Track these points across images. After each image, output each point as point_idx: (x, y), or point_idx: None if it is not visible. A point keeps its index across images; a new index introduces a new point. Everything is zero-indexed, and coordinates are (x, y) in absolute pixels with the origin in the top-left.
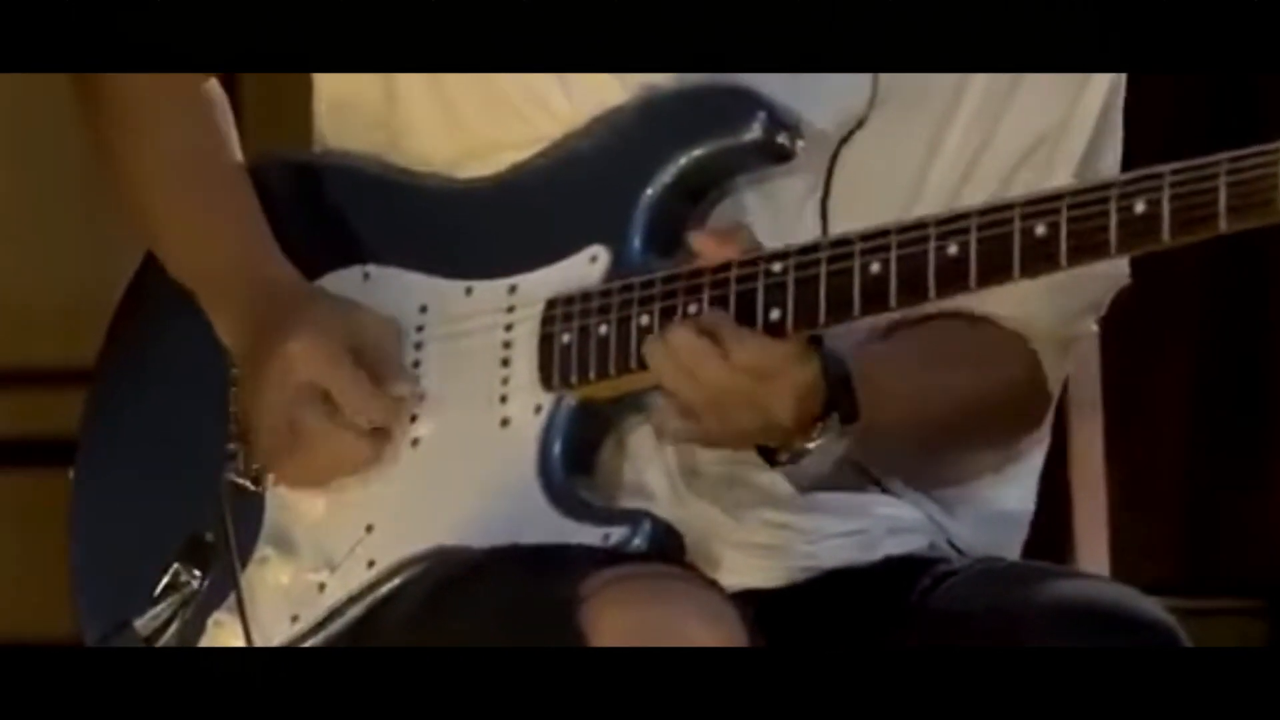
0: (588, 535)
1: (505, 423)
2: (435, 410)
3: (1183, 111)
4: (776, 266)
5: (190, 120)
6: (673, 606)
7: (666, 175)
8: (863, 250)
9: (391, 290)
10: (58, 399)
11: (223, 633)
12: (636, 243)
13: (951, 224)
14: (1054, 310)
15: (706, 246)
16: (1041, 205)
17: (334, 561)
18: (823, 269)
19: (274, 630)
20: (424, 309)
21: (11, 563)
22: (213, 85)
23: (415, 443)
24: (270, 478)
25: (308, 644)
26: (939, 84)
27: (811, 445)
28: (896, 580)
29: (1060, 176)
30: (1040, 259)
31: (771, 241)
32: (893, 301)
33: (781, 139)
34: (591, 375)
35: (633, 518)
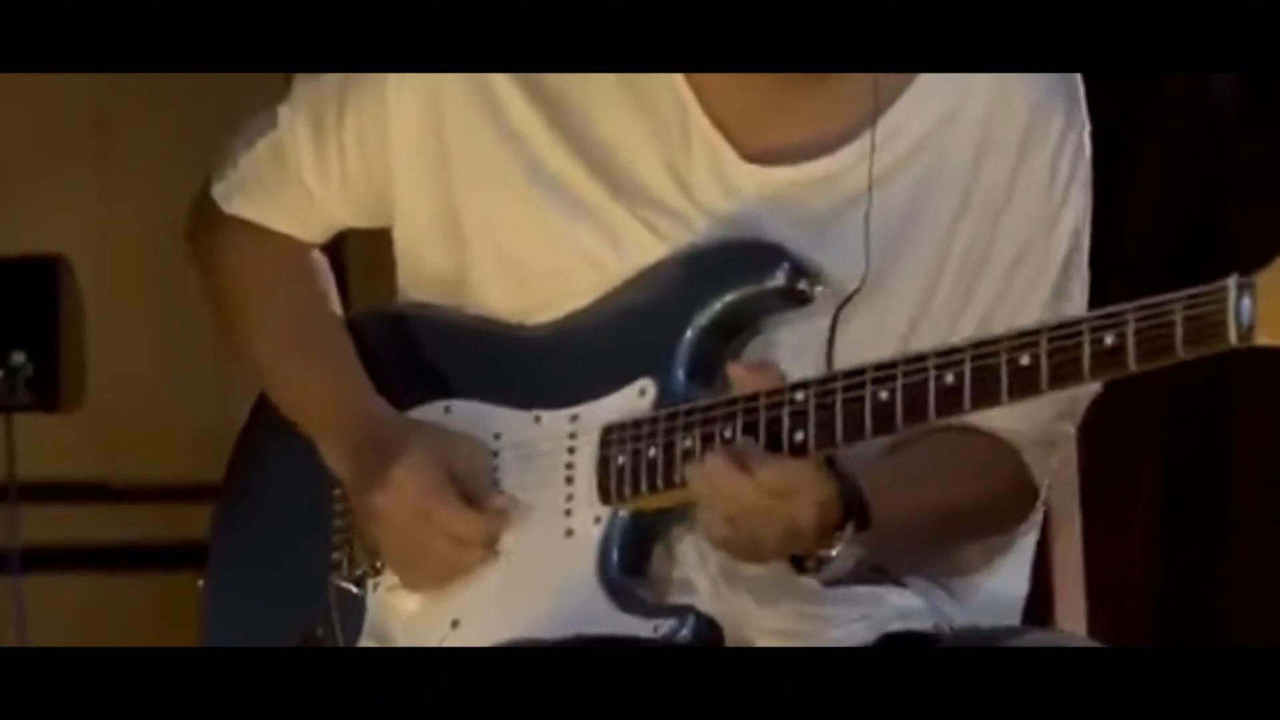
0: (641, 628)
1: (569, 533)
2: (510, 523)
3: (1145, 246)
4: (799, 395)
5: (294, 287)
6: None
7: (704, 319)
8: (873, 380)
9: (470, 420)
10: (191, 510)
11: None
12: (679, 377)
13: (948, 356)
14: (1036, 420)
15: (740, 379)
16: (1024, 340)
17: None
18: (839, 397)
19: None
20: (498, 436)
21: None
22: (315, 254)
23: (495, 550)
24: (370, 582)
25: None
26: (925, 254)
27: (834, 552)
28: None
29: (1034, 312)
30: (1025, 386)
31: (794, 374)
32: (899, 423)
33: (802, 285)
34: (643, 491)
35: (680, 612)
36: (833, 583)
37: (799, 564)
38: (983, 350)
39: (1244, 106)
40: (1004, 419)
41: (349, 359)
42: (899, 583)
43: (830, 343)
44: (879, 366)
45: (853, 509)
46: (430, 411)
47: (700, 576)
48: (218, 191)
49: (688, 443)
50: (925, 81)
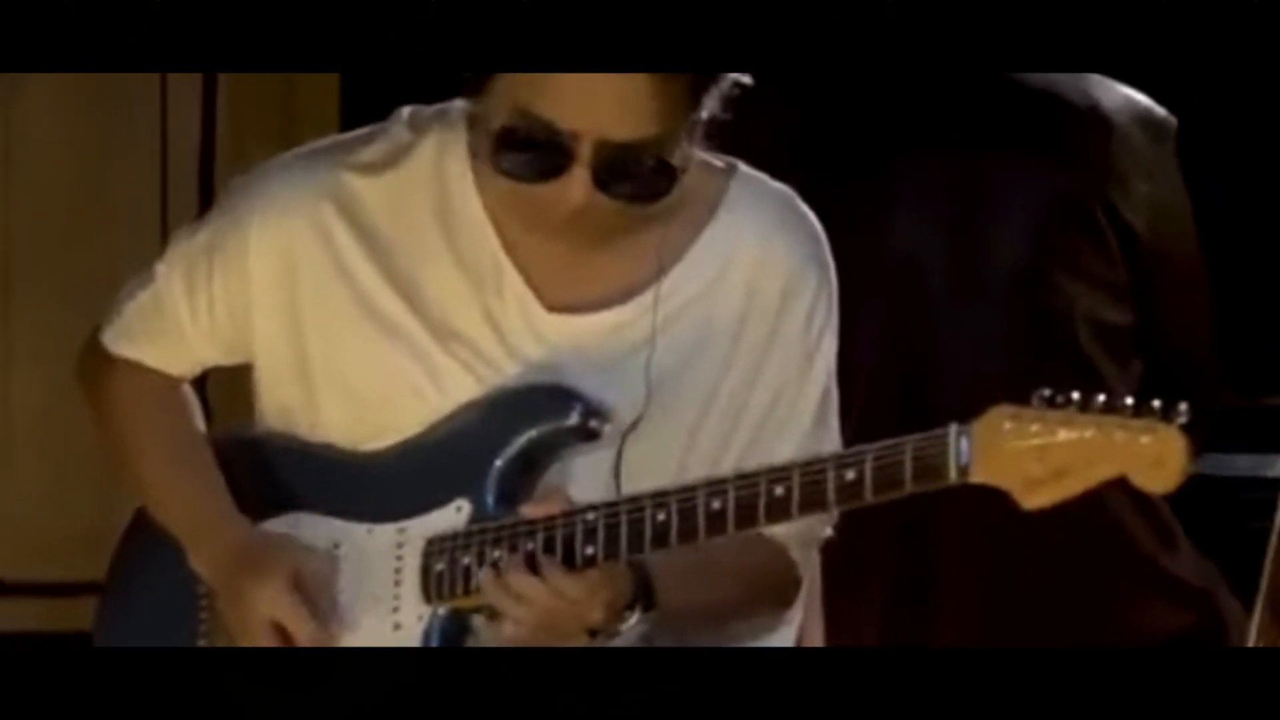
0: None
1: (397, 626)
2: (346, 617)
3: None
4: (590, 516)
5: (167, 416)
6: None
7: (511, 450)
8: (651, 505)
9: (313, 532)
10: (78, 603)
11: None
12: (490, 498)
13: (716, 486)
14: (802, 524)
15: (531, 513)
16: (779, 474)
17: None
18: (623, 518)
19: None
20: (337, 545)
21: None
22: (185, 388)
23: (333, 641)
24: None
25: None
26: (696, 394)
27: (623, 627)
28: None
29: (795, 439)
30: (779, 513)
31: (588, 496)
32: (674, 541)
33: (593, 423)
34: (459, 593)
35: None
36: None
37: (591, 634)
38: (744, 482)
39: (954, 281)
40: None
41: (213, 478)
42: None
43: (617, 467)
44: (655, 494)
45: (639, 594)
46: (281, 523)
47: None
48: (106, 336)
49: (496, 553)
50: (700, 247)
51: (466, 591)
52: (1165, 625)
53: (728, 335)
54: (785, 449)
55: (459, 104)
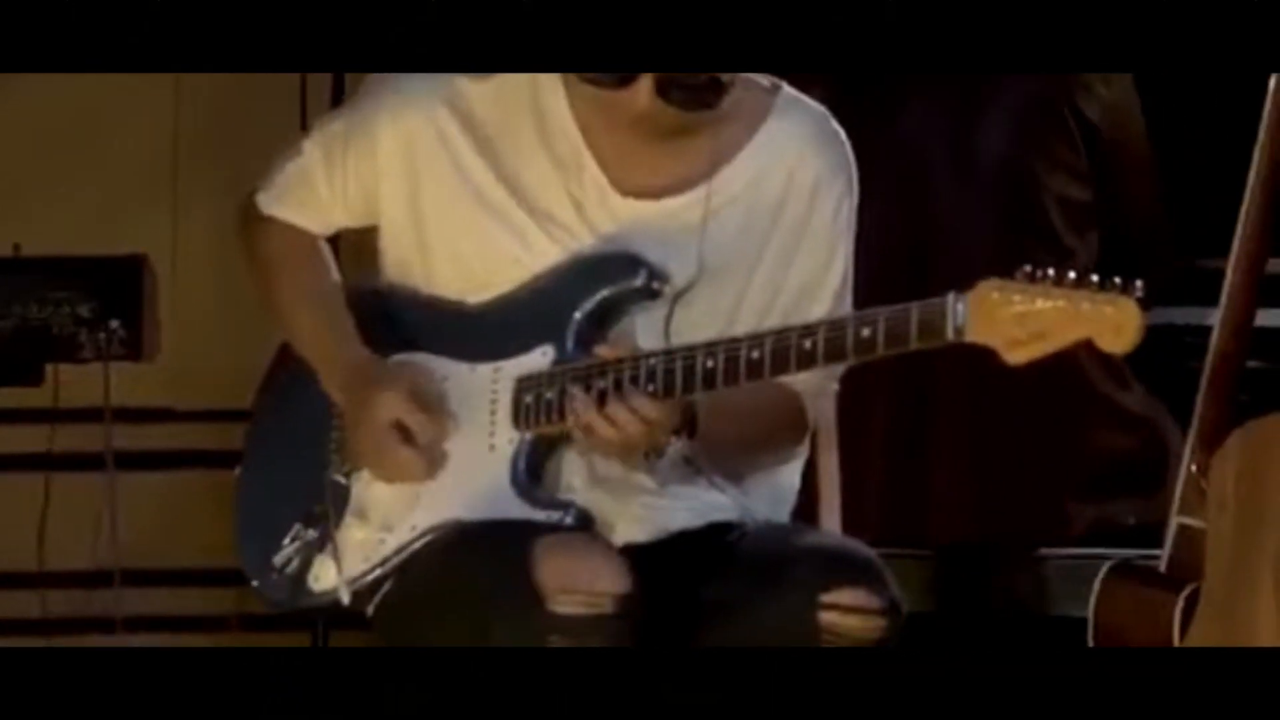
0: (538, 515)
1: (492, 448)
2: (453, 439)
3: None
4: (652, 361)
5: (308, 265)
6: (588, 551)
7: (589, 305)
8: (703, 353)
9: (425, 367)
10: (233, 426)
11: (325, 570)
12: (570, 344)
13: (755, 340)
14: (814, 379)
15: (604, 354)
16: (808, 331)
17: (391, 526)
18: (679, 363)
19: (353, 569)
20: (445, 379)
21: (207, 529)
22: (322, 242)
23: (444, 457)
24: (354, 476)
25: (372, 578)
26: (737, 266)
27: (670, 450)
28: (717, 534)
29: (818, 311)
30: (806, 362)
31: (648, 345)
32: (719, 383)
33: (655, 284)
34: (542, 422)
35: (564, 505)
36: (664, 484)
37: (646, 455)
38: (779, 336)
39: (952, 169)
40: (793, 376)
41: (343, 316)
42: (713, 483)
43: (668, 323)
44: (706, 344)
45: (686, 424)
46: (397, 359)
47: (579, 481)
48: (260, 199)
49: (575, 389)
50: (747, 152)
51: (550, 420)
52: (1118, 447)
53: (768, 221)
54: (813, 315)
55: None
